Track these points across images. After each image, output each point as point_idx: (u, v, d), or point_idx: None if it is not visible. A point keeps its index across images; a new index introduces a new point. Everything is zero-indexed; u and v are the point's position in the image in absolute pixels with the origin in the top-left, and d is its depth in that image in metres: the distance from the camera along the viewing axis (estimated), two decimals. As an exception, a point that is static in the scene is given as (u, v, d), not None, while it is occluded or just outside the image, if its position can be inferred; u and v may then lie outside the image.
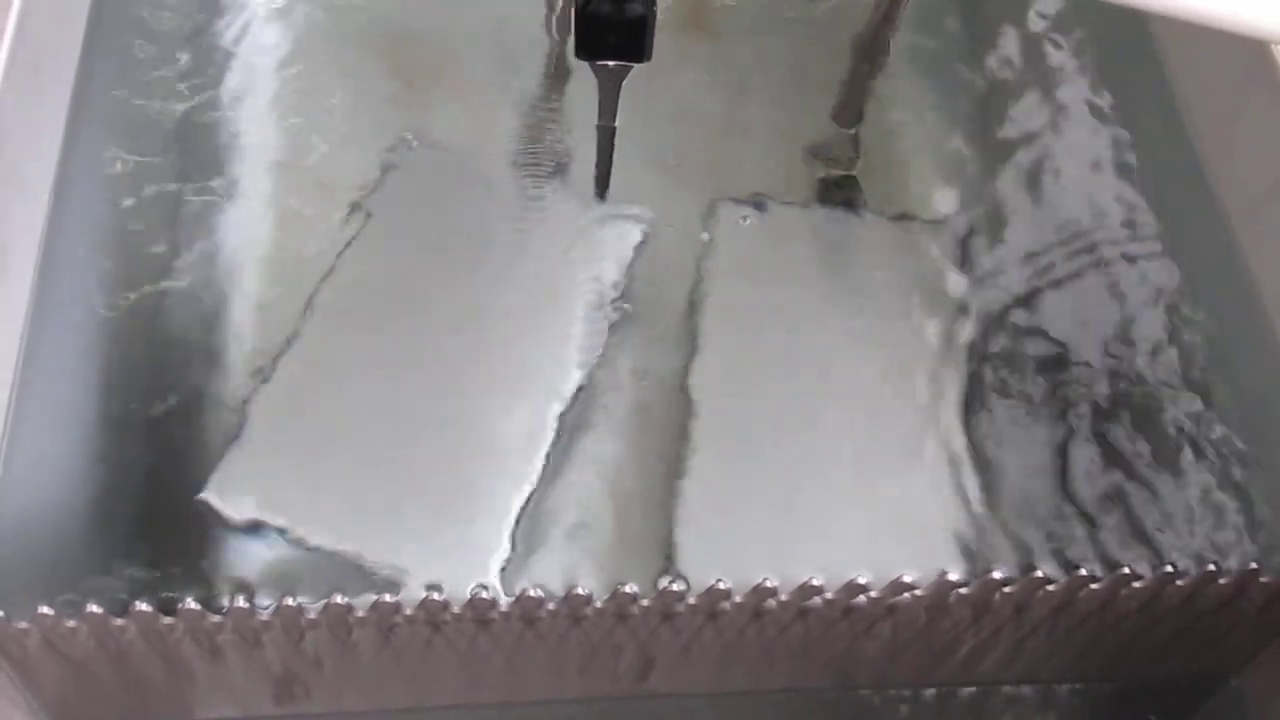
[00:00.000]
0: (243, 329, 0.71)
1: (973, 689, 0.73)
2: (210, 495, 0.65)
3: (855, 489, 0.68)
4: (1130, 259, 0.77)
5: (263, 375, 0.69)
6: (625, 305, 0.73)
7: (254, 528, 0.64)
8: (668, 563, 0.65)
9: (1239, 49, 0.75)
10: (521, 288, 0.74)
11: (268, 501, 0.65)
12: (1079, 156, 0.82)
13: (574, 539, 0.65)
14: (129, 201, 0.74)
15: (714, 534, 0.66)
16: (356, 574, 0.63)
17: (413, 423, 0.68)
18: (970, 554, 0.66)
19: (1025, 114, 0.83)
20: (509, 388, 0.70)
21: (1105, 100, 0.84)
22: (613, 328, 0.72)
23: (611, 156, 0.73)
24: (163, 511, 0.64)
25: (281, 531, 0.64)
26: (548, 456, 0.68)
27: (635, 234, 0.76)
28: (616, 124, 0.71)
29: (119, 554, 0.63)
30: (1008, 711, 0.73)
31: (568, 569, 0.64)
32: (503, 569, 0.64)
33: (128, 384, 0.68)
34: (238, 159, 0.77)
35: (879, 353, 0.73)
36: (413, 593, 0.62)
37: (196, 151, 0.77)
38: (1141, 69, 0.86)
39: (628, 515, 0.66)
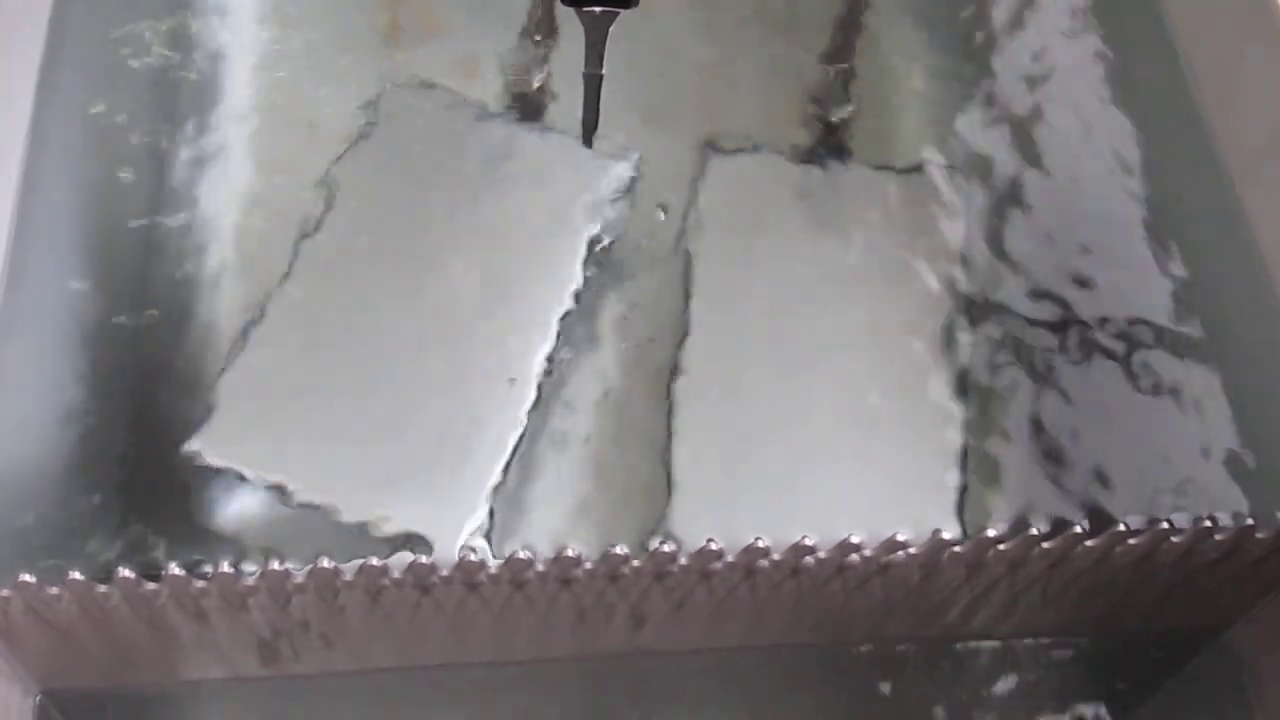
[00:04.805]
0: (227, 280, 0.69)
1: (965, 645, 0.73)
2: (195, 448, 0.64)
3: (848, 446, 0.67)
4: (1126, 207, 0.76)
5: (248, 327, 0.68)
6: (612, 254, 0.72)
7: (239, 481, 0.64)
8: (659, 522, 0.64)
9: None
10: (507, 237, 0.72)
11: (253, 455, 0.64)
12: (1074, 104, 0.80)
13: (560, 497, 0.65)
14: (107, 152, 0.72)
15: (705, 492, 0.65)
16: (342, 528, 0.62)
17: (401, 372, 0.67)
18: (964, 511, 0.65)
19: (1020, 61, 0.82)
20: (495, 338, 0.69)
21: (1102, 47, 0.83)
22: (599, 277, 0.71)
23: (599, 104, 0.72)
24: (146, 470, 0.64)
25: (268, 485, 0.64)
26: (534, 409, 0.67)
27: (623, 182, 0.75)
28: (604, 71, 0.69)
29: (101, 514, 0.62)
30: (1000, 667, 0.73)
31: (555, 528, 0.64)
32: (489, 524, 0.63)
33: (108, 340, 0.67)
34: (221, 106, 0.75)
35: (871, 303, 0.72)
36: (399, 549, 0.62)
37: (177, 99, 0.75)
38: (1140, 16, 0.84)
39: (616, 471, 0.66)
